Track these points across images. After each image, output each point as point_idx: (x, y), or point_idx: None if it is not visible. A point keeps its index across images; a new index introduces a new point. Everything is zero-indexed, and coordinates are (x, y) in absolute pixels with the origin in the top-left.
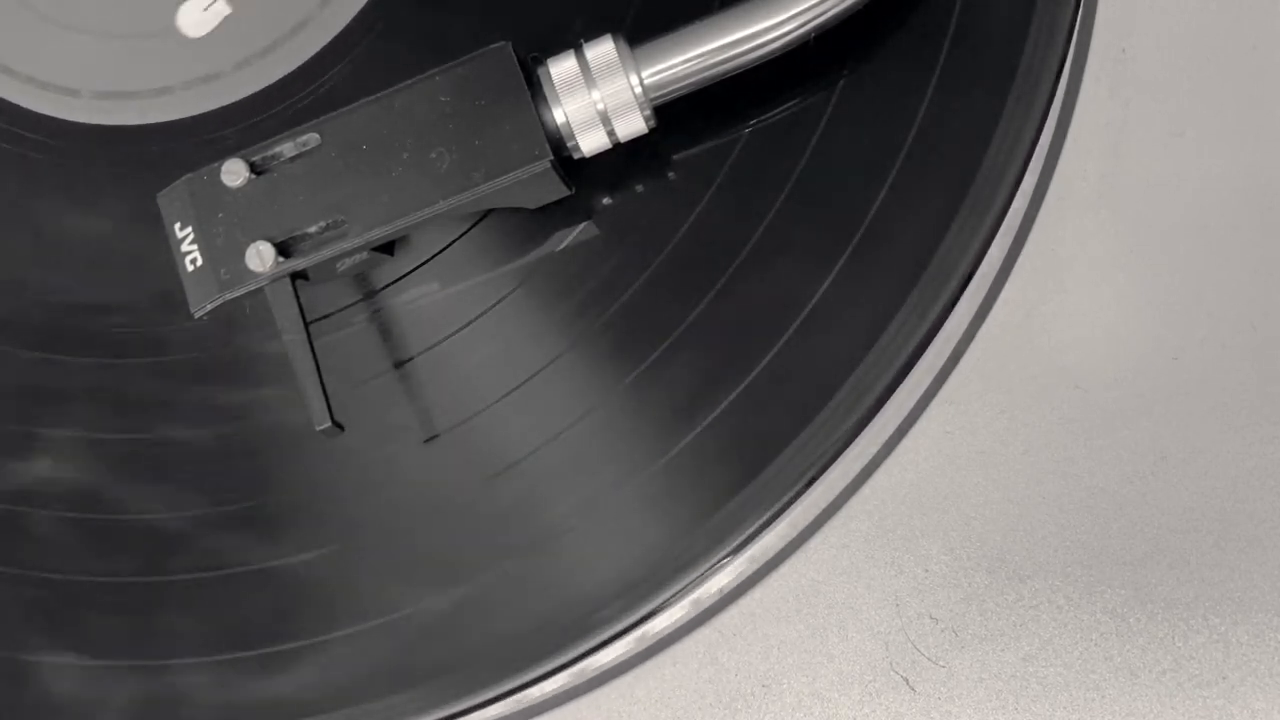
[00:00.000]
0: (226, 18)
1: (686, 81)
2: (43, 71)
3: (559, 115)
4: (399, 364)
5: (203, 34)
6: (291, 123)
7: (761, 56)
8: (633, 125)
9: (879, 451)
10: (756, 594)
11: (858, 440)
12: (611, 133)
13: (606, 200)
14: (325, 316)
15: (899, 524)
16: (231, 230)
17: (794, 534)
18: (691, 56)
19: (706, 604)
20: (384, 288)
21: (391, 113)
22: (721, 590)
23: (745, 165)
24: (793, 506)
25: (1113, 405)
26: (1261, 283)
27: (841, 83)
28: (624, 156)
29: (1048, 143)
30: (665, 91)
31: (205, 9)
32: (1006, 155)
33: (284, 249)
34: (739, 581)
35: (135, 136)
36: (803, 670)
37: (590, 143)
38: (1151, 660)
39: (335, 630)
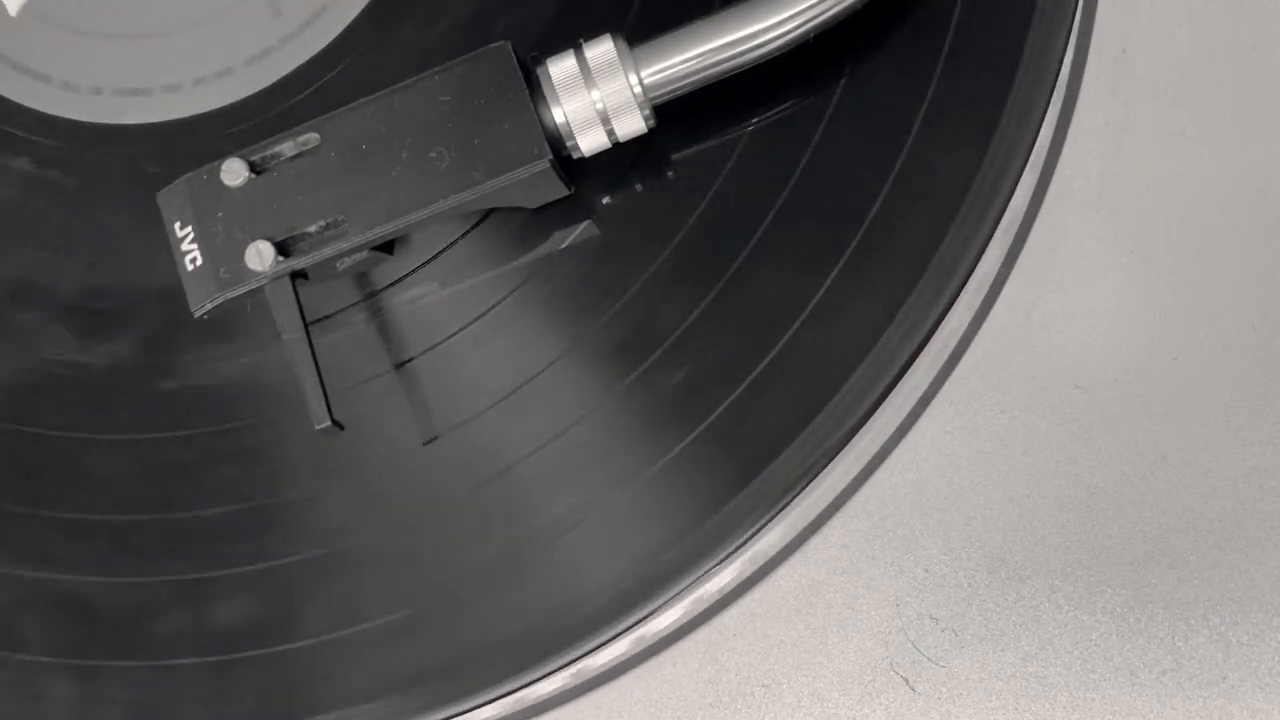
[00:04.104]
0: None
1: (686, 81)
2: (43, 71)
3: (558, 115)
4: (399, 364)
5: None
6: (291, 123)
7: (761, 56)
8: (632, 125)
9: (879, 451)
10: (756, 594)
11: (858, 440)
12: (611, 132)
13: (606, 200)
14: (325, 317)
15: (899, 524)
16: (231, 229)
17: (794, 534)
18: (691, 56)
19: (706, 604)
20: (384, 288)
21: (391, 112)
22: (721, 590)
23: (745, 165)
24: (793, 506)
25: (1113, 405)
26: (1261, 283)
27: (841, 83)
28: (624, 156)
29: (1048, 143)
30: (665, 91)
31: None
32: (1006, 155)
33: (284, 248)
34: (739, 581)
35: (136, 136)
36: (803, 670)
37: (590, 142)
38: (1151, 660)
39: (336, 630)
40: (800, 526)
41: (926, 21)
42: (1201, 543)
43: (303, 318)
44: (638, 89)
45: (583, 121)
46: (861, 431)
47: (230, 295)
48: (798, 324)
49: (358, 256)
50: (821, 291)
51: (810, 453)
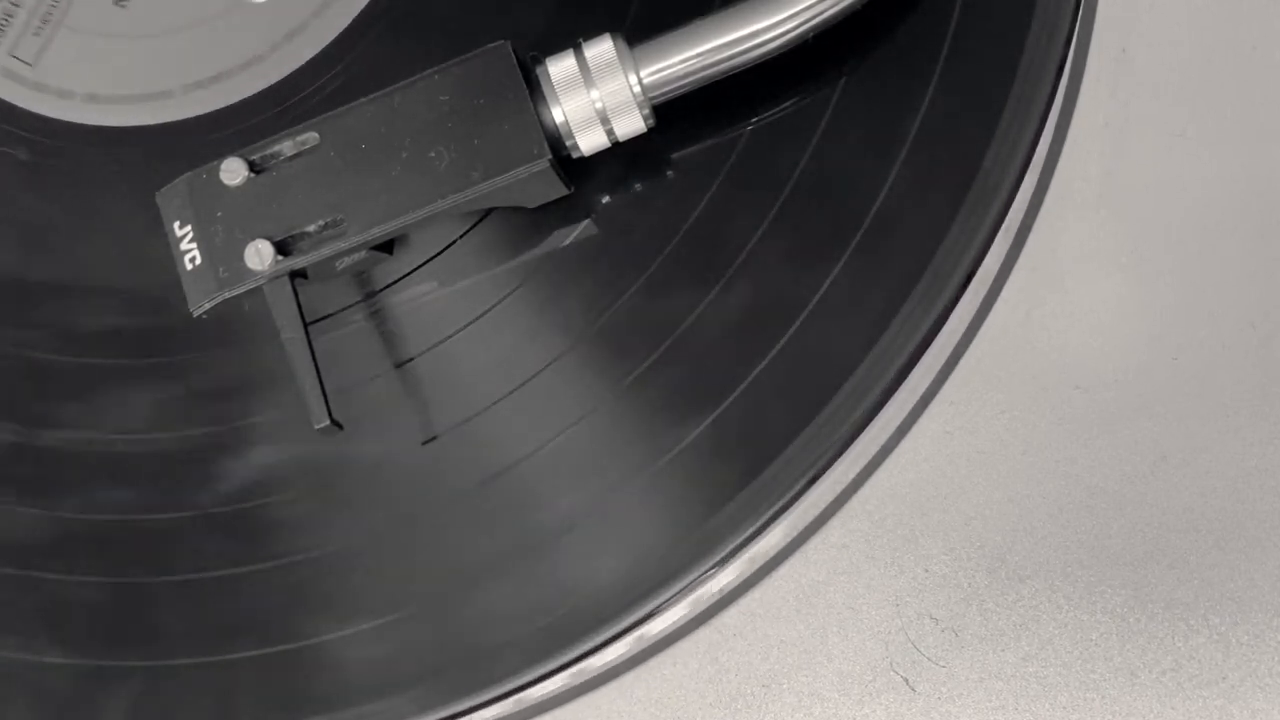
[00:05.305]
0: None
1: (686, 81)
2: (43, 72)
3: (558, 114)
4: (399, 364)
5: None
6: (291, 123)
7: (761, 56)
8: (632, 124)
9: (879, 451)
10: (756, 594)
11: (858, 440)
12: (610, 132)
13: (606, 200)
14: (325, 316)
15: (899, 524)
16: (230, 229)
17: (794, 534)
18: (690, 56)
19: (706, 604)
20: (384, 288)
21: (390, 112)
22: (721, 590)
23: (745, 165)
24: (793, 506)
25: (1113, 405)
26: (1261, 283)
27: (842, 82)
28: (623, 156)
29: (1048, 143)
30: (664, 91)
31: None
32: (1006, 155)
33: (283, 247)
34: (739, 581)
35: (135, 136)
36: (803, 670)
37: (589, 142)
38: (1151, 660)
39: (335, 630)
40: (800, 526)
41: (926, 22)
42: (1201, 543)
43: (302, 317)
44: (637, 89)
45: (582, 121)
46: (862, 432)
47: (229, 294)
48: (798, 324)
49: (357, 256)
50: (821, 291)
51: (810, 453)
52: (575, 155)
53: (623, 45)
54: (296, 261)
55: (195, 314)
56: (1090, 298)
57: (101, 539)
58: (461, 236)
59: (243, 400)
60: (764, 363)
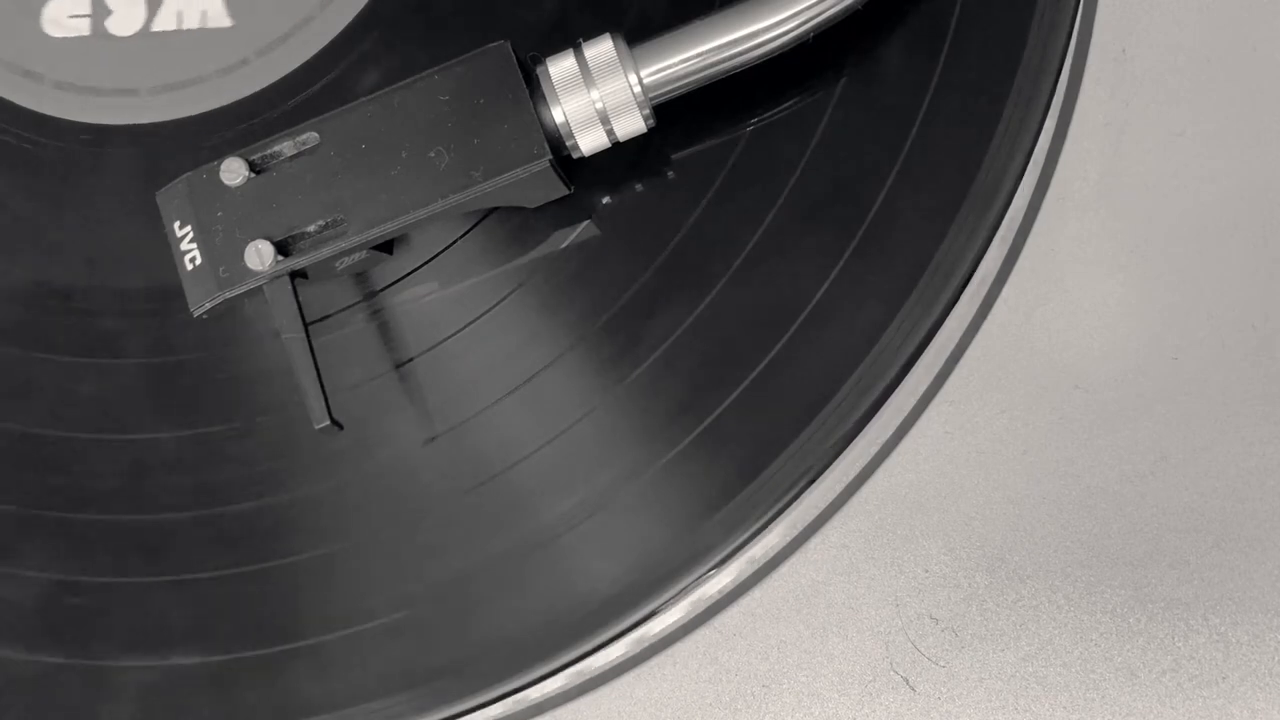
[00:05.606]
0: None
1: (686, 81)
2: (43, 71)
3: (558, 114)
4: (399, 364)
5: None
6: (291, 122)
7: (761, 56)
8: (632, 124)
9: (879, 451)
10: (756, 594)
11: (858, 440)
12: (610, 132)
13: (606, 200)
14: (325, 317)
15: (899, 524)
16: (230, 229)
17: (794, 534)
18: (691, 55)
19: (706, 604)
20: (384, 288)
21: (390, 111)
22: (721, 590)
23: (745, 165)
24: (793, 506)
25: (1113, 405)
26: (1261, 283)
27: (841, 83)
28: (624, 156)
29: (1048, 143)
30: (664, 91)
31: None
32: (1006, 155)
33: (283, 248)
34: (739, 581)
35: (135, 136)
36: (803, 670)
37: (589, 142)
38: (1151, 660)
39: (335, 630)
40: (800, 526)
41: (926, 22)
42: (1201, 543)
43: (302, 317)
44: (637, 88)
45: (582, 121)
46: (861, 432)
47: (229, 295)
48: (798, 324)
49: (357, 256)
50: (821, 291)
51: (810, 453)
52: (575, 155)
53: (623, 45)
54: (296, 261)
55: (196, 314)
56: (1090, 298)
57: (102, 539)
58: (461, 237)
59: (243, 399)
60: (764, 363)
